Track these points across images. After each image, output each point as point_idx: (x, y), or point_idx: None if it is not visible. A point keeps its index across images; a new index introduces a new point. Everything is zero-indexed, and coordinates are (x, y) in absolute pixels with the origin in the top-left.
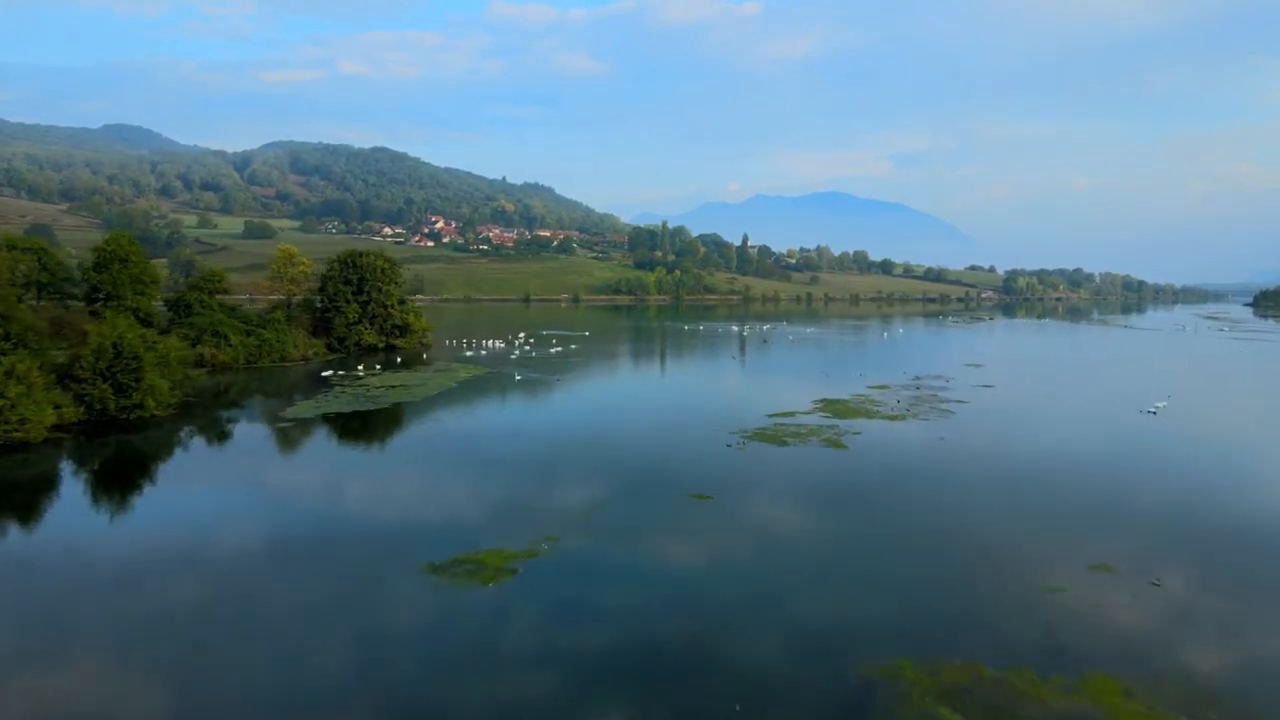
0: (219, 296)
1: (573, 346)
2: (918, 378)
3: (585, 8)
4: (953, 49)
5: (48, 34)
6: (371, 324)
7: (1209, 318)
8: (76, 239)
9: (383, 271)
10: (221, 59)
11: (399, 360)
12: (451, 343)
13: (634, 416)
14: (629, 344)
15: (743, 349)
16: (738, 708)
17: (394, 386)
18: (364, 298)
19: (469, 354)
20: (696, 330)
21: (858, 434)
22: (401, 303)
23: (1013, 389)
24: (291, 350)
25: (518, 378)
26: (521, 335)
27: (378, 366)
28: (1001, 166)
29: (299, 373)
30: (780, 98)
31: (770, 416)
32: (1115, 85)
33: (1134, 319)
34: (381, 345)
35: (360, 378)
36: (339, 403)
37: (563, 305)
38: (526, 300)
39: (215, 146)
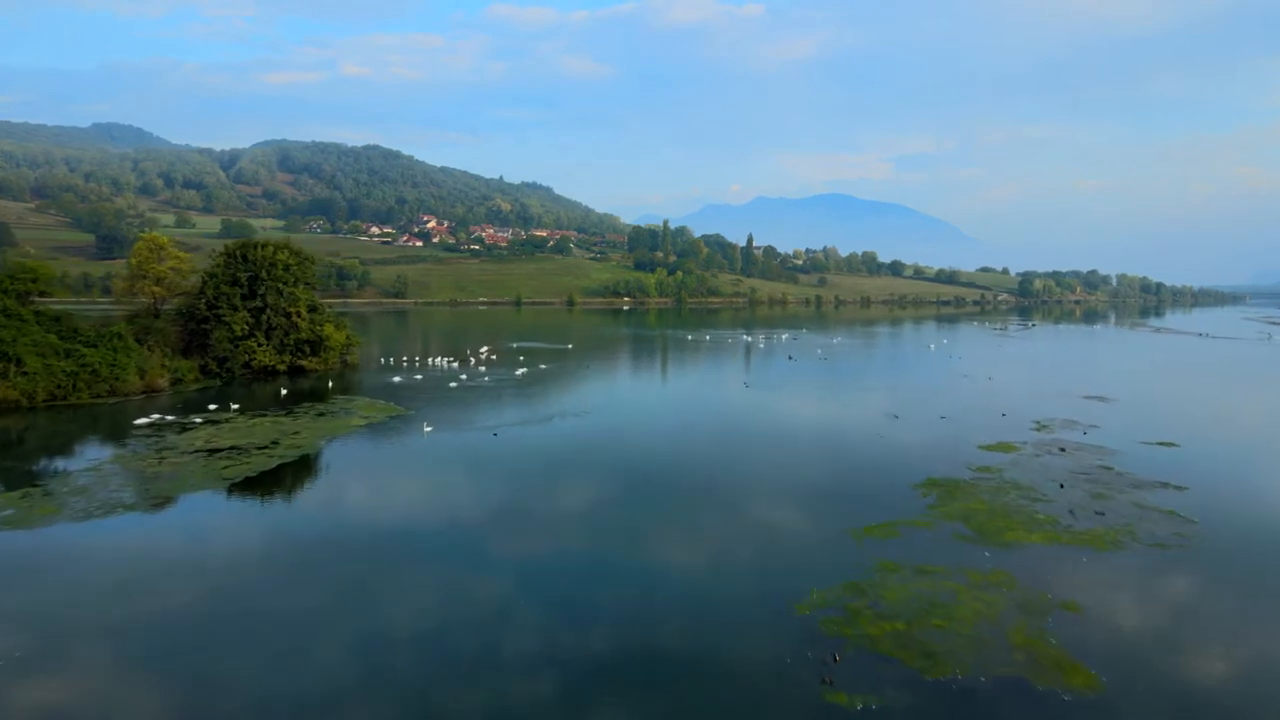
0: (38, 301)
1: (542, 366)
2: (1041, 424)
3: (587, 9)
4: (955, 51)
5: (51, 36)
6: (269, 338)
7: (1270, 322)
8: (40, 237)
9: (286, 268)
10: (223, 61)
11: (283, 393)
12: (388, 360)
13: (596, 551)
14: (619, 362)
15: (749, 365)
16: None
17: (213, 452)
18: (257, 303)
19: (398, 379)
20: (702, 340)
21: (1072, 611)
22: (314, 309)
23: (1215, 447)
24: (131, 378)
25: (427, 429)
26: (484, 349)
27: (234, 406)
28: (1004, 168)
29: (126, 413)
30: (782, 99)
31: (853, 537)
32: (1118, 87)
33: (1182, 322)
34: (284, 367)
35: (191, 427)
36: (60, 495)
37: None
38: (518, 303)
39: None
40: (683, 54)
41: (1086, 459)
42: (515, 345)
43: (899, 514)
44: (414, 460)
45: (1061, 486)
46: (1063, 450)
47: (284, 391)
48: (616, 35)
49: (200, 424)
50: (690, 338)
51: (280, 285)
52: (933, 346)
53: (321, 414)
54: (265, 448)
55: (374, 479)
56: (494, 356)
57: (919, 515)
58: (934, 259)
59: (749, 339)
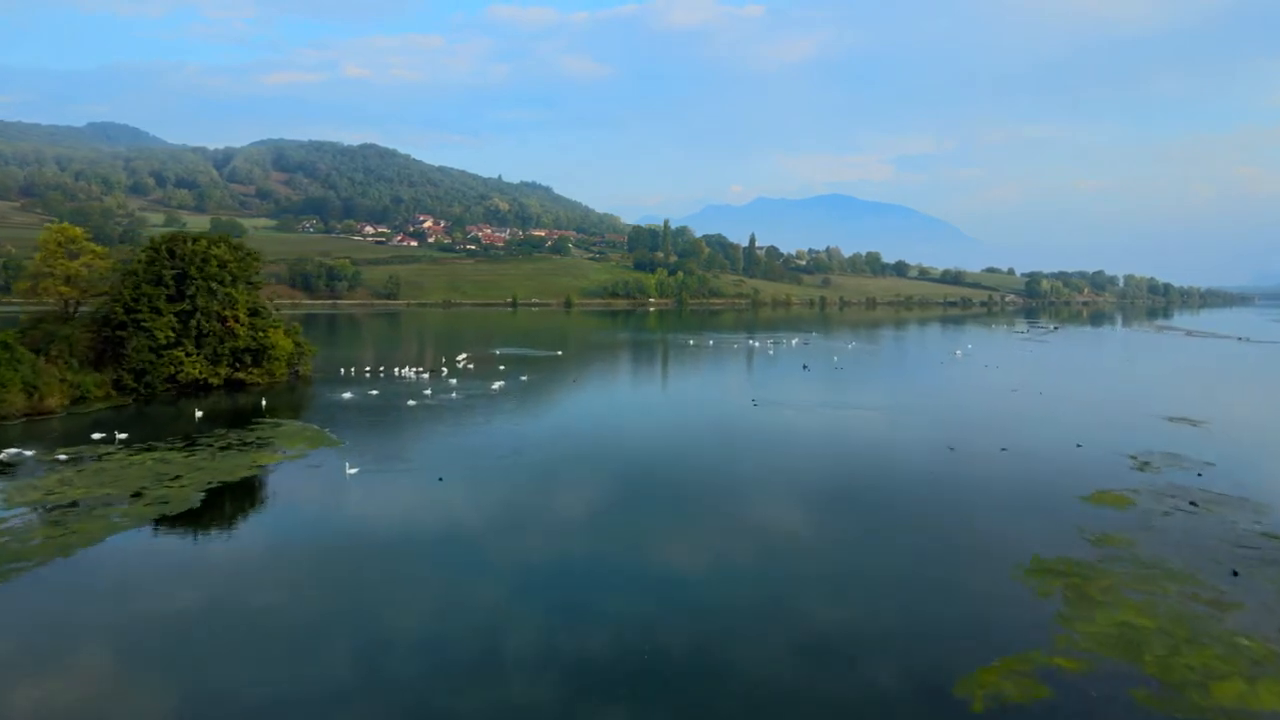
0: None
1: (523, 378)
2: (1140, 461)
3: (587, 10)
4: (955, 51)
5: (51, 36)
6: (199, 347)
7: None
8: (24, 236)
9: (221, 265)
10: (224, 62)
11: (199, 415)
12: (348, 370)
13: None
14: (612, 373)
15: (757, 375)
16: None
17: (47, 509)
18: (185, 306)
19: (349, 395)
20: (704, 345)
21: None
22: (256, 313)
23: None
24: (13, 397)
25: (351, 471)
26: (462, 357)
27: (121, 436)
28: (1004, 168)
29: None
30: (782, 100)
31: (961, 698)
32: (1118, 87)
33: (1207, 324)
34: (218, 381)
35: (42, 470)
36: None
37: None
38: (514, 305)
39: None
40: (683, 54)
41: (1234, 520)
42: (499, 352)
43: (1020, 638)
44: (314, 519)
45: (1235, 574)
46: (1194, 505)
47: (199, 414)
48: (617, 36)
49: (63, 462)
50: (692, 342)
51: (213, 285)
52: (959, 353)
53: (228, 446)
54: (112, 505)
55: (249, 552)
56: (471, 365)
57: (1052, 640)
58: (935, 259)
59: (754, 343)
